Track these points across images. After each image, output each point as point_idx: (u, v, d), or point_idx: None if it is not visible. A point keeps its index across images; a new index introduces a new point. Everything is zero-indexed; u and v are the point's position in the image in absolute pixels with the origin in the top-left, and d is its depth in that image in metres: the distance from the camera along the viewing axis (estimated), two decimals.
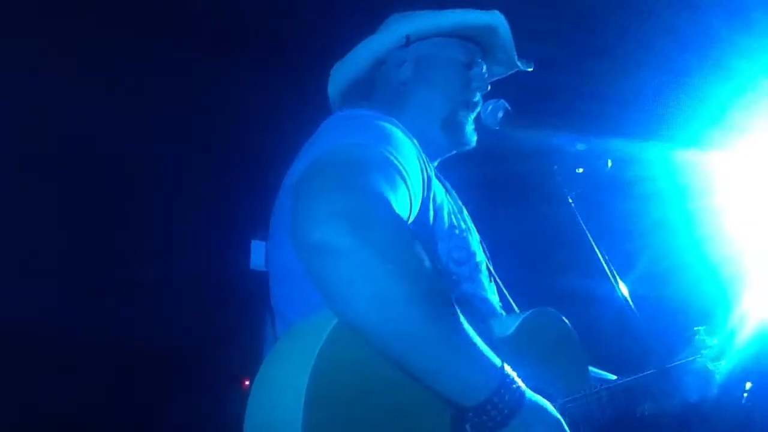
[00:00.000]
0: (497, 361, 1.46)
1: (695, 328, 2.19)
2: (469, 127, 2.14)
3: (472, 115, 2.16)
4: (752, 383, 3.42)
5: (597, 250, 1.90)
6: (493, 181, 4.03)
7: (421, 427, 1.46)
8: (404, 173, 1.61)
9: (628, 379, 1.91)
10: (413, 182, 1.65)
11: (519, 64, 2.26)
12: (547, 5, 4.96)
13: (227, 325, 5.59)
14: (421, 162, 1.78)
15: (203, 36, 4.54)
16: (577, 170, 1.91)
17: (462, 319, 1.43)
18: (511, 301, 2.12)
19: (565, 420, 1.60)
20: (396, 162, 1.60)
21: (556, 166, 1.97)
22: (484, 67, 2.21)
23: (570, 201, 1.91)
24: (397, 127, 1.80)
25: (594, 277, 1.93)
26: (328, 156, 1.58)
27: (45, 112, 4.43)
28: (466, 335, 1.42)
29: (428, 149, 1.99)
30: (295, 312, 1.74)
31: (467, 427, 1.51)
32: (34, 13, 4.13)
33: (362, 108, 2.00)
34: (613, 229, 2.19)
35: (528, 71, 2.32)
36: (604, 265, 1.91)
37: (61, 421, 4.80)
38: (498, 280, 2.10)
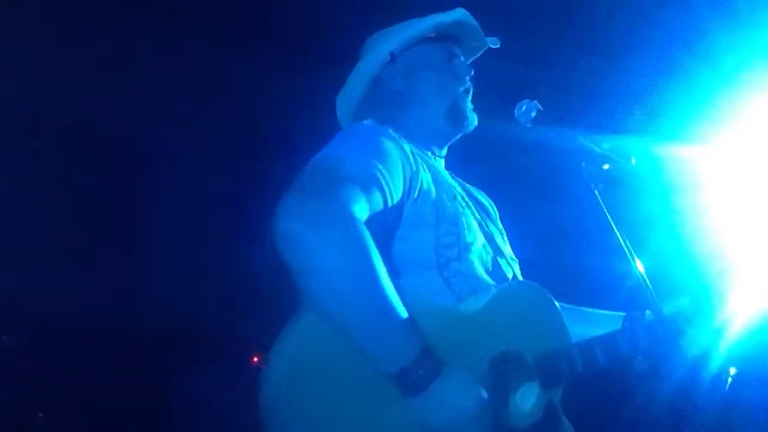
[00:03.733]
0: (419, 338, 1.87)
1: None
2: (468, 111, 2.59)
3: (468, 99, 2.61)
4: (736, 369, 3.77)
5: (619, 235, 2.29)
6: (529, 175, 4.42)
7: (384, 396, 1.89)
8: (381, 179, 2.08)
9: (593, 338, 2.24)
10: (392, 186, 2.12)
11: (489, 43, 2.71)
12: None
13: (239, 304, 5.94)
14: (405, 164, 2.23)
15: (229, 29, 4.86)
16: (603, 167, 2.30)
17: (392, 302, 1.87)
18: (518, 274, 2.51)
19: (538, 375, 2.09)
20: (375, 171, 2.08)
21: (584, 163, 2.34)
22: (462, 57, 2.68)
23: (597, 194, 2.30)
24: (387, 136, 2.29)
25: (615, 256, 2.31)
26: (316, 165, 2.10)
27: (71, 105, 4.73)
28: (393, 313, 1.86)
29: (435, 138, 2.60)
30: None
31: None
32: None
33: (366, 120, 2.58)
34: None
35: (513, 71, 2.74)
36: (624, 246, 2.29)
37: (82, 393, 5.13)
38: (506, 258, 2.49)
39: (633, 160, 2.27)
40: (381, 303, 1.86)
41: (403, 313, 1.87)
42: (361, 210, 1.96)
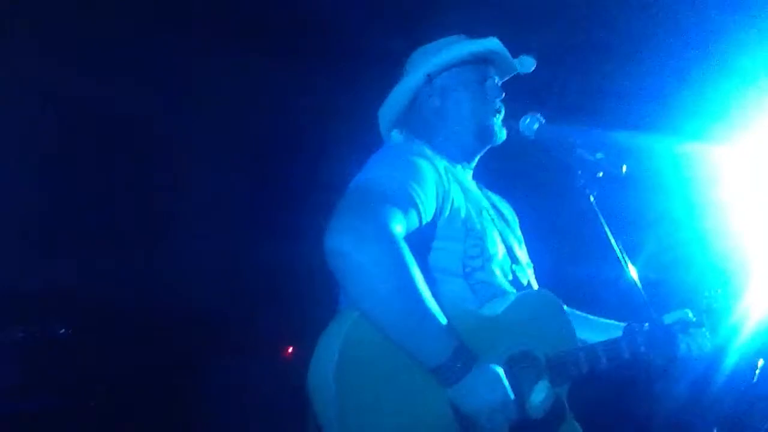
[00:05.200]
0: (454, 338, 2.21)
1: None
2: (497, 128, 2.90)
3: (498, 117, 2.91)
4: (765, 361, 4.03)
5: (612, 240, 2.63)
6: (531, 181, 4.74)
7: (426, 387, 2.23)
8: (417, 200, 2.39)
9: (596, 343, 2.64)
10: (427, 205, 2.44)
11: (519, 68, 3.04)
12: (551, 1, 5.59)
13: (274, 297, 6.30)
14: (438, 183, 2.56)
15: (255, 30, 5.21)
16: (597, 174, 2.65)
17: (430, 306, 2.20)
18: (533, 283, 2.85)
19: (548, 373, 2.46)
20: (411, 191, 2.39)
21: (579, 171, 2.69)
22: (496, 78, 2.99)
23: (591, 199, 2.65)
24: (422, 156, 2.62)
25: (609, 260, 2.65)
26: (360, 186, 2.42)
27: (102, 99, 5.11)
28: (431, 315, 2.19)
29: (465, 154, 2.93)
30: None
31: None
32: None
33: (405, 138, 3.00)
34: (620, 221, 2.82)
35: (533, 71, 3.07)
36: (617, 251, 2.64)
37: (119, 380, 5.51)
38: (523, 265, 2.84)
39: (624, 168, 2.61)
40: (420, 308, 2.19)
41: (440, 316, 2.21)
42: (400, 227, 2.27)
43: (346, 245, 2.15)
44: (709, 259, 5.28)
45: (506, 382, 2.26)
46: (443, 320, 2.22)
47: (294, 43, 5.43)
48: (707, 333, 2.78)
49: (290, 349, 6.81)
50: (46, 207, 5.61)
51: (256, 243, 6.15)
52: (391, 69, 3.09)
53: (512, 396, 2.26)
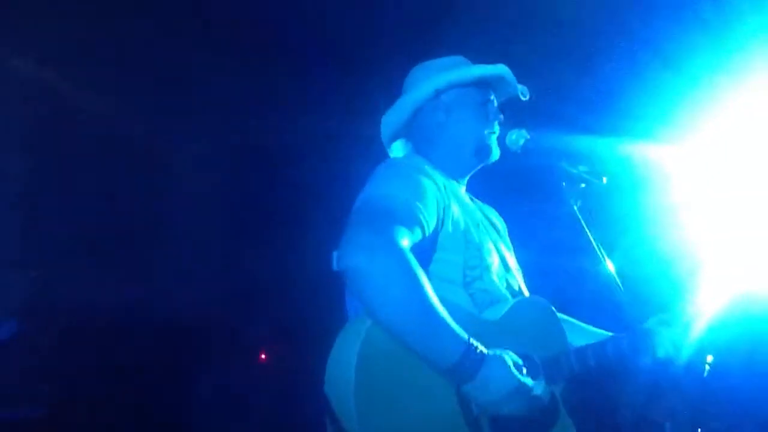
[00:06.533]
0: (464, 335, 2.40)
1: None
2: (493, 147, 3.12)
3: (494, 137, 3.13)
4: (713, 357, 4.23)
5: (593, 240, 2.86)
6: (520, 191, 4.92)
7: (436, 386, 2.43)
8: (421, 216, 2.62)
9: (585, 345, 2.83)
10: (429, 220, 2.66)
11: (521, 96, 3.26)
12: (502, 4, 5.74)
13: (248, 305, 6.45)
14: (439, 199, 2.79)
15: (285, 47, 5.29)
16: (580, 185, 2.88)
17: (440, 312, 2.40)
18: (523, 287, 3.06)
19: (544, 373, 2.65)
20: (415, 210, 2.62)
21: (564, 183, 2.92)
22: (496, 102, 3.21)
23: (575, 208, 2.84)
24: (423, 173, 2.83)
25: (593, 265, 2.83)
26: (367, 203, 2.66)
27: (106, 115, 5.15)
28: (442, 320, 2.39)
29: (462, 169, 3.16)
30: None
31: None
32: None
33: (404, 155, 3.27)
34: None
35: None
36: (598, 250, 2.85)
37: (107, 387, 5.60)
38: (514, 272, 3.06)
39: (604, 180, 2.79)
40: (431, 314, 2.39)
41: (449, 320, 2.40)
42: (406, 242, 2.49)
43: (360, 262, 2.37)
44: (660, 260, 5.50)
45: (515, 369, 2.45)
46: (452, 323, 2.40)
47: (291, 50, 5.54)
48: (680, 333, 2.95)
49: (263, 355, 7.02)
50: (36, 217, 5.69)
51: (236, 255, 6.29)
52: (388, 81, 3.34)
53: (523, 380, 2.45)
